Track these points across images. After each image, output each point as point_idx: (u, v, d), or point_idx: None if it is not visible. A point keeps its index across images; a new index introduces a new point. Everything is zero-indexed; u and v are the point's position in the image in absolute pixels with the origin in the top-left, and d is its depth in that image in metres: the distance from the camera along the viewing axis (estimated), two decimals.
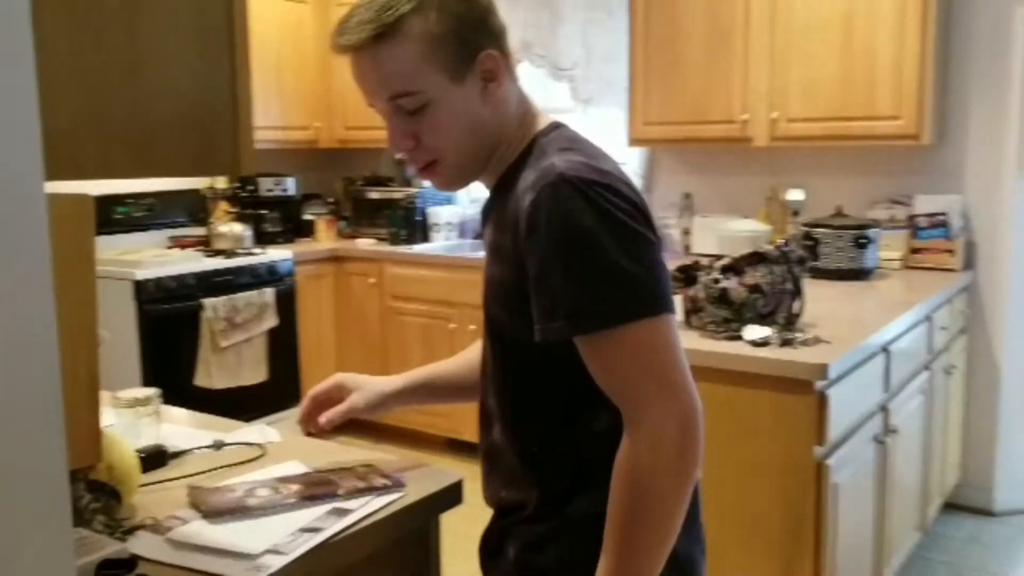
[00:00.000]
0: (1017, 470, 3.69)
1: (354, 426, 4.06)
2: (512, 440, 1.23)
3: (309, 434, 1.45)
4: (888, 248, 3.58)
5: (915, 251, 3.59)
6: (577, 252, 1.06)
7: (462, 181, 1.25)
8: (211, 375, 3.97)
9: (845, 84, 3.45)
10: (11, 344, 0.73)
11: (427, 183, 4.66)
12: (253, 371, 4.16)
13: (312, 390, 1.47)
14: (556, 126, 1.22)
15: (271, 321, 4.21)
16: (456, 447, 4.34)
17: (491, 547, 1.31)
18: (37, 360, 0.76)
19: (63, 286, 0.82)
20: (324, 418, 1.41)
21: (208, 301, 3.92)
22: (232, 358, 4.06)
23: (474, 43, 1.14)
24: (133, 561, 1.00)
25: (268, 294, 4.19)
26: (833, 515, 2.30)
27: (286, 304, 4.30)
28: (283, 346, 4.31)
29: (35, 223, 0.74)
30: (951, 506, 3.66)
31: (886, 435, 2.68)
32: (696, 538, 1.24)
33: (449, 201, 4.84)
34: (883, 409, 2.68)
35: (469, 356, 1.49)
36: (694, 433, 1.07)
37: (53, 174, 0.80)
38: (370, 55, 1.12)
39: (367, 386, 1.45)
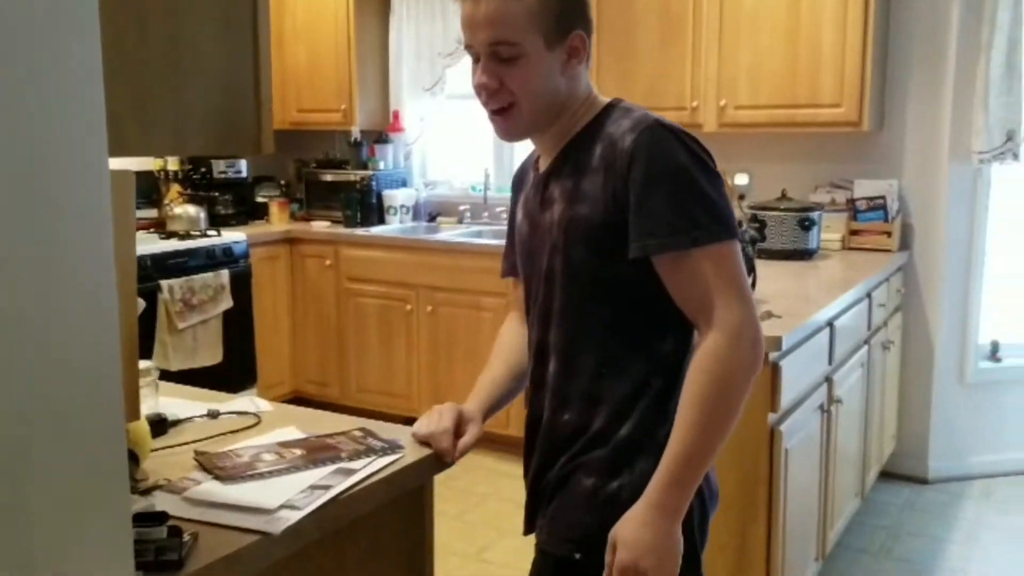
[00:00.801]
0: (950, 440, 3.90)
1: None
2: (579, 367, 1.37)
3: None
4: (829, 230, 3.75)
5: (854, 232, 3.77)
6: (675, 182, 1.28)
7: (523, 132, 1.41)
8: (168, 357, 3.97)
9: (790, 72, 3.60)
10: (84, 308, 0.80)
11: (381, 166, 4.61)
12: (209, 353, 4.17)
13: (436, 424, 1.46)
14: (619, 100, 1.42)
15: (227, 303, 4.22)
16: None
17: (552, 486, 1.40)
18: (103, 321, 0.82)
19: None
20: (457, 452, 1.45)
21: (165, 283, 3.92)
22: (188, 340, 4.06)
23: (570, 22, 1.35)
24: (164, 514, 1.06)
25: (224, 276, 4.20)
26: (784, 479, 2.45)
27: (242, 286, 4.31)
28: (239, 328, 4.32)
29: (102, 194, 0.80)
30: (887, 475, 3.86)
31: (831, 404, 2.85)
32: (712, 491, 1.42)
33: (404, 184, 4.89)
34: (828, 380, 2.84)
35: (505, 359, 1.58)
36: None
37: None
38: (495, 4, 1.31)
39: (474, 415, 1.50)
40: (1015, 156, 3.59)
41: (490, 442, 4.16)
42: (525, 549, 1.55)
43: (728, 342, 1.26)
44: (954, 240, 3.76)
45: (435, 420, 1.46)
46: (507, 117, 1.37)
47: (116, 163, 0.98)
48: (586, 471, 1.36)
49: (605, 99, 1.43)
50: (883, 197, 3.72)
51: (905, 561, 3.23)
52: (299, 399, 4.58)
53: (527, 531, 1.49)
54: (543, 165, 1.45)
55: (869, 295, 3.23)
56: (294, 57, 4.84)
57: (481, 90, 1.36)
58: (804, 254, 3.53)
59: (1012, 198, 3.82)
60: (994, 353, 3.92)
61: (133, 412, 0.98)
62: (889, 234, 3.72)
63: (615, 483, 1.34)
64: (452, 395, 4.26)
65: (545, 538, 1.41)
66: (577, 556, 1.35)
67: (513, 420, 4.06)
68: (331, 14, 4.68)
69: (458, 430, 1.46)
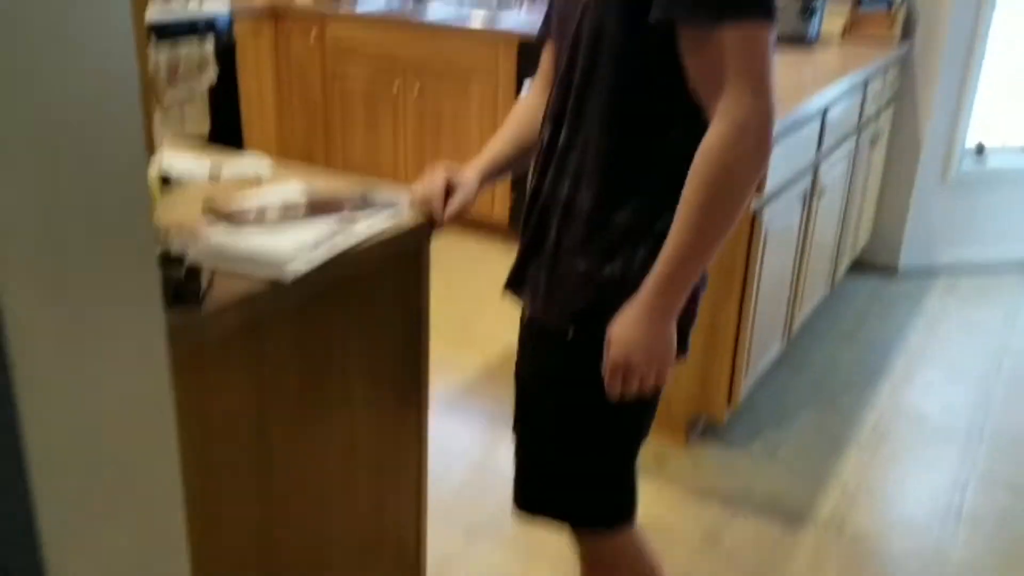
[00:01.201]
0: (924, 234, 4.02)
1: None
2: (588, 142, 1.33)
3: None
4: (832, 17, 3.66)
5: (857, 21, 3.69)
6: None
7: None
8: (155, 130, 3.93)
9: None
10: (101, 33, 0.81)
11: None
12: (197, 123, 4.14)
13: (428, 186, 1.49)
14: None
15: (211, 74, 4.14)
16: None
17: (548, 262, 1.40)
18: (121, 40, 0.83)
19: None
20: (445, 216, 1.47)
21: (150, 52, 3.82)
22: (175, 113, 4.02)
23: None
24: (183, 255, 1.11)
25: (208, 47, 4.09)
26: (760, 263, 2.55)
27: (226, 60, 4.21)
28: (224, 102, 4.26)
29: None
30: (860, 264, 4.01)
31: (814, 194, 2.91)
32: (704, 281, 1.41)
33: None
34: (814, 170, 2.88)
35: (514, 129, 1.56)
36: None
37: None
38: None
39: (466, 180, 1.51)
40: None
41: (474, 225, 4.25)
42: (508, 321, 1.60)
43: (732, 135, 1.20)
44: (956, 34, 3.69)
45: (427, 182, 1.49)
46: None
47: None
48: (581, 254, 1.34)
49: None
50: None
51: (866, 343, 3.42)
52: None
53: (509, 286, 1.49)
54: None
55: (865, 85, 3.21)
56: None
57: None
58: (803, 40, 3.47)
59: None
60: (979, 154, 3.97)
61: (151, 147, 1.00)
62: (892, 23, 3.64)
63: (609, 267, 1.33)
64: None
65: (540, 307, 1.41)
66: (570, 334, 1.37)
67: (498, 204, 4.12)
68: None
69: (448, 193, 1.47)
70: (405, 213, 1.47)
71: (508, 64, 3.93)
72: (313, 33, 4.45)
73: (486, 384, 3.00)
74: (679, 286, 1.27)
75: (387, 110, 4.36)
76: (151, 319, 0.88)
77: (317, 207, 1.44)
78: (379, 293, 1.49)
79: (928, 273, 4.05)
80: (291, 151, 4.71)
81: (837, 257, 3.50)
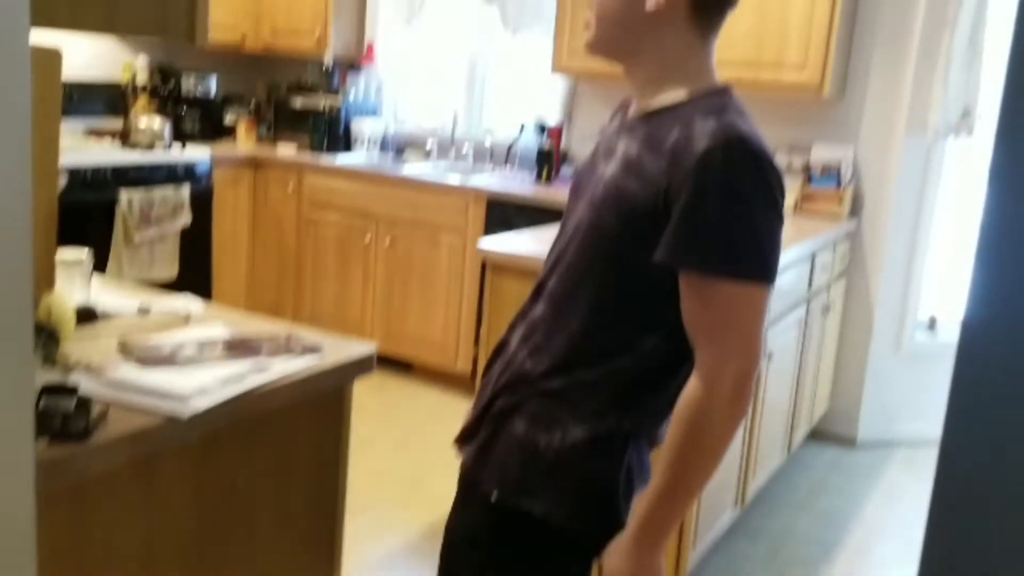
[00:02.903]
0: (881, 406, 4.04)
1: None
2: (562, 324, 1.35)
3: None
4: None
5: (807, 198, 3.85)
6: (732, 205, 1.21)
7: (595, 49, 1.40)
8: (122, 269, 3.98)
9: (758, 33, 3.63)
10: None
11: (352, 95, 4.62)
12: (165, 267, 4.19)
13: None
14: (727, 90, 1.34)
15: (185, 219, 4.23)
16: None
17: (493, 419, 1.39)
18: (12, 186, 0.86)
19: (33, 125, 0.92)
20: None
21: (124, 194, 3.92)
22: (144, 254, 4.08)
23: None
24: (75, 388, 1.11)
25: (184, 192, 4.20)
26: None
27: (202, 204, 4.32)
28: (196, 246, 4.33)
29: (21, 68, 0.83)
30: (818, 434, 4.00)
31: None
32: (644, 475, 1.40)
33: (374, 113, 4.89)
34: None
35: None
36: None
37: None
38: None
39: None
40: (969, 131, 3.66)
41: (435, 376, 4.25)
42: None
43: (709, 391, 1.23)
44: (902, 212, 3.85)
45: None
46: (587, 25, 1.38)
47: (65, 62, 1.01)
48: (522, 417, 1.35)
49: (717, 82, 1.35)
50: (838, 163, 3.79)
51: (824, 514, 3.37)
52: None
53: (459, 440, 1.48)
54: (631, 112, 1.41)
55: (812, 257, 3.31)
56: None
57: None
58: None
59: (964, 175, 3.91)
60: (931, 327, 4.05)
61: (47, 281, 1.02)
62: (840, 200, 3.80)
63: (545, 438, 1.33)
64: (404, 327, 4.34)
65: (473, 461, 1.40)
66: (494, 496, 1.35)
67: (461, 356, 4.14)
68: None
69: None
70: (326, 358, 1.48)
71: (477, 219, 4.05)
72: (291, 183, 4.59)
73: (429, 547, 2.90)
74: (664, 523, 1.29)
75: (358, 260, 4.44)
76: (19, 456, 0.86)
77: (235, 347, 1.44)
78: (292, 437, 1.47)
79: (887, 444, 4.03)
80: (260, 300, 4.76)
81: (792, 424, 3.50)
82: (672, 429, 1.27)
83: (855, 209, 3.88)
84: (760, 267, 1.23)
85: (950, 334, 4.04)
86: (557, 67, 4.14)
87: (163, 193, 4.10)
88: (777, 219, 1.27)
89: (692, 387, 1.25)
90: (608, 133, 1.44)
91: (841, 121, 3.88)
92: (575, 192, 1.44)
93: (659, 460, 1.29)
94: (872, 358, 3.99)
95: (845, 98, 3.85)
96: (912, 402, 4.05)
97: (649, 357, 1.32)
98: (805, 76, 3.58)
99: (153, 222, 4.08)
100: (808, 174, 3.84)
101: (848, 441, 4.04)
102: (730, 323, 1.23)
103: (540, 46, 4.40)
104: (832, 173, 3.80)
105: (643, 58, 1.36)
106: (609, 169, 1.34)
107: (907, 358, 4.01)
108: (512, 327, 1.45)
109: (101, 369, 1.30)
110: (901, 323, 3.98)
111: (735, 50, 3.67)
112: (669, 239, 1.23)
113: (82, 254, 1.59)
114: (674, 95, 1.33)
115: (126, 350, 1.39)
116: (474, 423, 1.44)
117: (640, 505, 1.30)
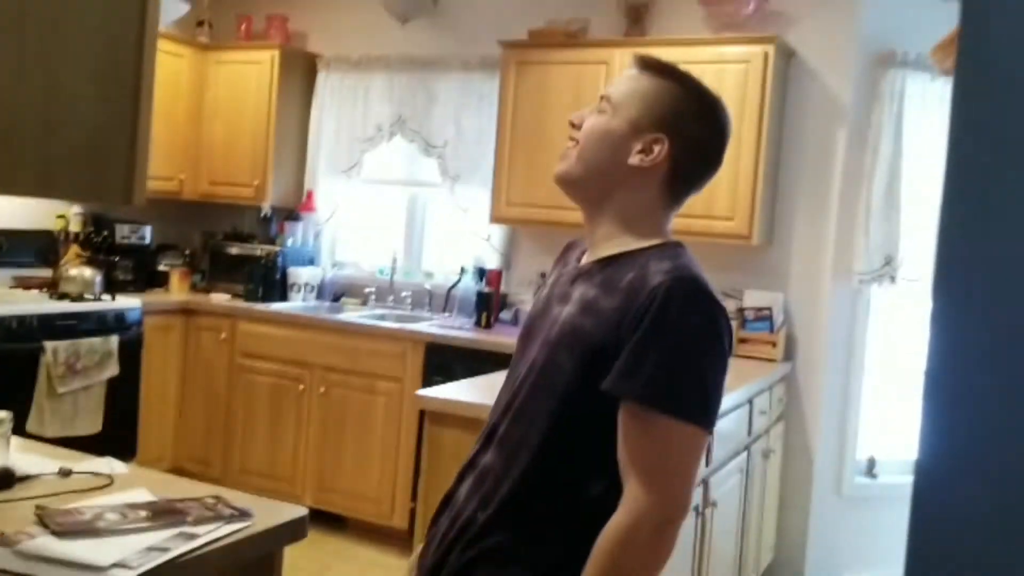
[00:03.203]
0: (826, 553, 3.99)
1: None
2: (510, 472, 1.32)
3: None
4: None
5: (742, 341, 3.92)
6: (681, 344, 1.24)
7: (568, 178, 1.43)
8: (44, 422, 3.81)
9: None
10: None
11: (289, 243, 4.63)
12: (88, 421, 4.01)
13: None
14: (681, 243, 1.40)
15: (112, 370, 4.10)
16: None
17: (432, 561, 1.36)
18: None
19: None
20: None
21: (49, 344, 3.80)
22: (68, 406, 3.92)
23: (665, 128, 1.35)
24: None
25: (112, 342, 4.09)
26: None
27: (131, 354, 4.20)
28: (122, 397, 4.18)
29: None
30: None
31: (705, 507, 2.90)
32: None
33: (311, 262, 4.89)
34: (704, 482, 2.90)
35: None
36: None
37: None
38: (631, 81, 1.40)
39: None
40: (892, 279, 3.80)
41: (370, 532, 4.08)
42: None
43: (631, 528, 1.21)
44: (834, 355, 3.93)
45: None
46: (568, 155, 1.41)
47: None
48: (464, 556, 1.32)
49: (672, 238, 1.41)
50: (769, 308, 3.89)
51: None
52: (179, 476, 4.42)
53: None
54: (585, 259, 1.43)
55: (750, 402, 3.33)
56: (211, 130, 4.85)
57: (570, 123, 1.43)
58: None
59: (891, 318, 4.03)
60: (870, 469, 4.07)
61: None
62: (774, 344, 3.87)
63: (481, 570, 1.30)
64: (337, 480, 4.19)
65: None
66: None
67: (398, 511, 4.00)
68: (254, 91, 4.72)
69: None
70: (255, 524, 1.40)
71: (415, 366, 3.99)
72: (224, 331, 4.51)
73: None
74: None
75: (291, 410, 4.33)
76: None
77: (160, 514, 1.36)
78: None
79: None
80: (188, 453, 4.58)
81: (740, 572, 3.42)
82: (592, 558, 1.22)
83: (789, 353, 3.95)
84: (701, 411, 1.25)
85: (890, 475, 4.06)
86: (495, 218, 4.22)
87: (90, 343, 3.99)
88: (722, 366, 1.30)
89: (619, 520, 1.22)
90: (561, 280, 1.45)
91: (771, 267, 4.00)
92: (527, 336, 1.44)
93: None
94: (815, 503, 3.97)
95: (774, 246, 3.99)
96: (855, 547, 4.01)
97: (598, 503, 1.28)
98: (734, 225, 3.72)
99: (79, 373, 3.95)
100: (743, 318, 3.92)
101: None
102: (664, 461, 1.23)
103: (477, 196, 4.49)
104: (765, 317, 3.89)
105: (608, 207, 1.39)
106: (565, 311, 1.35)
107: (848, 501, 4.00)
108: (460, 477, 1.41)
109: (15, 539, 1.21)
110: (841, 465, 3.99)
111: None
112: (618, 367, 1.24)
113: (2, 414, 1.51)
114: (632, 244, 1.37)
115: (43, 518, 1.30)
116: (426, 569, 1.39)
117: None
